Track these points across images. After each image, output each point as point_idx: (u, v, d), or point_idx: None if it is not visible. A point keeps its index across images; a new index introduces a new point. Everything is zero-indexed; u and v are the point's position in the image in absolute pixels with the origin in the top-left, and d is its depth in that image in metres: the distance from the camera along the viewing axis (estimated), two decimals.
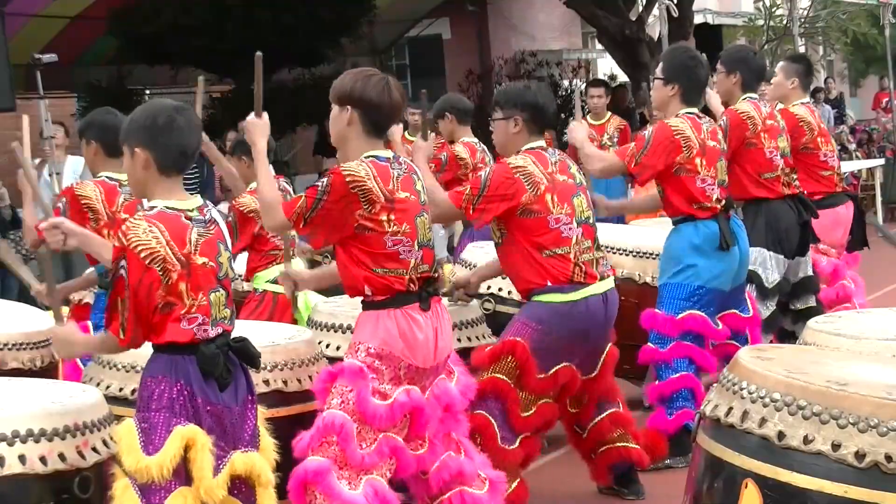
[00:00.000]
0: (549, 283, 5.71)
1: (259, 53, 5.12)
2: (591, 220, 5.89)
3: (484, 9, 21.01)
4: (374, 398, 4.74)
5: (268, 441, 4.39)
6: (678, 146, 6.59)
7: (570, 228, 5.74)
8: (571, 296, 5.73)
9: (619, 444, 6.12)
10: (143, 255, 4.09)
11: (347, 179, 4.75)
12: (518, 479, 5.73)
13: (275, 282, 7.12)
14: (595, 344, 5.92)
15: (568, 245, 5.73)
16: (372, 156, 4.86)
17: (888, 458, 3.33)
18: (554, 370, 5.76)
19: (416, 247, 4.88)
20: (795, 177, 7.62)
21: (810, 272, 7.74)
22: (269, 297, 7.25)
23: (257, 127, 5.03)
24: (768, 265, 7.36)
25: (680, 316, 6.59)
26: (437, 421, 4.97)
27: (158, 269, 4.11)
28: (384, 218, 4.79)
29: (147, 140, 4.24)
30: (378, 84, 4.88)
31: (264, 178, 4.98)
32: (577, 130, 6.91)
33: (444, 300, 5.53)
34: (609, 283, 5.89)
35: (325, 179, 4.83)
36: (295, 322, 6.74)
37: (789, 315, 7.62)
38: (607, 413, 6.11)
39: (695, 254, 6.61)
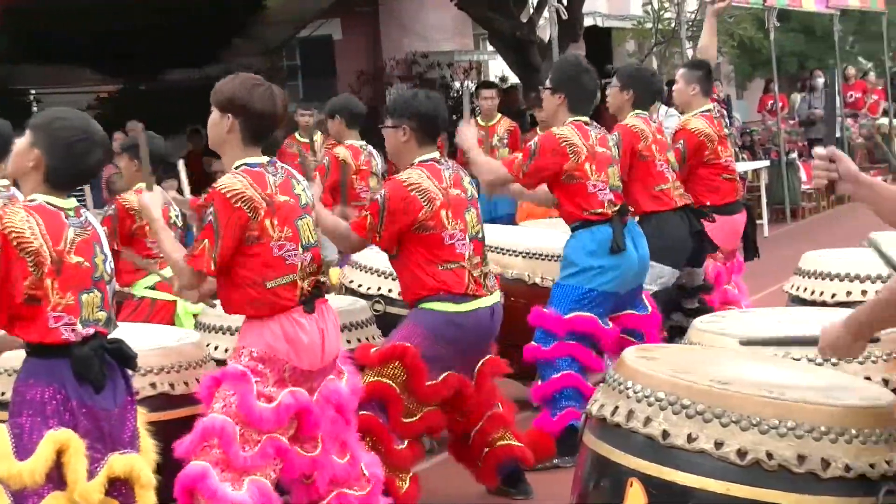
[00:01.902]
0: (442, 293, 5.72)
1: (139, 125, 5.08)
2: (480, 236, 5.91)
3: (375, 10, 20.98)
4: (259, 401, 4.73)
5: (148, 443, 4.39)
6: (564, 154, 6.65)
7: (463, 244, 5.77)
8: (463, 307, 5.75)
9: (501, 444, 6.13)
10: (15, 242, 4.05)
11: (228, 195, 4.73)
12: (410, 476, 5.76)
13: (153, 287, 7.10)
14: (475, 355, 5.96)
15: (463, 260, 5.76)
16: (243, 164, 4.83)
17: (769, 455, 3.39)
18: (443, 377, 5.77)
19: (301, 249, 4.87)
20: (683, 189, 7.75)
21: (701, 282, 7.88)
22: (147, 302, 7.21)
23: (150, 201, 5.03)
24: (653, 277, 7.43)
25: (568, 316, 6.64)
26: (328, 421, 4.96)
27: (29, 260, 4.07)
28: (268, 223, 4.77)
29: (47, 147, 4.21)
30: (263, 94, 4.84)
31: (169, 246, 4.94)
32: (466, 134, 6.91)
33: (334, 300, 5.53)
34: (496, 297, 5.94)
35: (212, 212, 4.77)
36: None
37: (682, 311, 7.73)
38: (488, 416, 6.13)
39: (590, 258, 6.67)
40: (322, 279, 5.02)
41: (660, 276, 7.44)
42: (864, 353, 4.23)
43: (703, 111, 8.21)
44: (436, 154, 5.90)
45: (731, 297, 8.39)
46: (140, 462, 4.26)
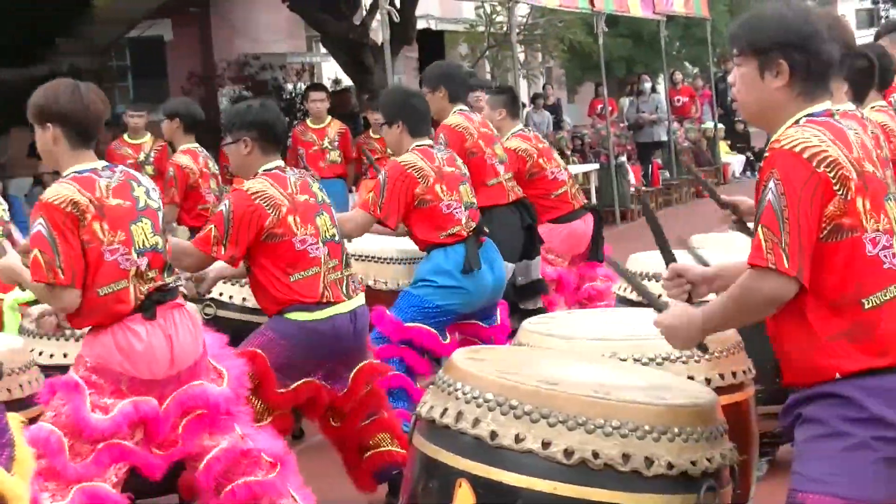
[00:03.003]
0: (297, 303, 5.68)
1: None
2: (336, 238, 5.86)
3: (206, 10, 20.75)
4: (95, 413, 4.66)
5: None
6: (413, 180, 6.68)
7: (316, 248, 5.72)
8: (318, 314, 5.71)
9: (380, 450, 6.09)
10: None
11: (58, 203, 4.64)
12: None
13: None
14: (344, 361, 5.90)
15: (318, 265, 5.71)
16: (72, 171, 4.76)
17: (595, 454, 3.43)
18: (295, 385, 5.73)
19: (135, 254, 4.79)
20: (515, 182, 7.83)
21: (538, 275, 7.97)
22: None
23: None
24: None
25: (408, 325, 6.65)
26: (195, 424, 4.89)
27: None
28: (97, 227, 4.69)
29: None
30: (75, 95, 4.76)
31: (19, 274, 4.86)
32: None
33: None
34: (358, 301, 5.89)
35: (40, 221, 4.67)
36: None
37: (518, 314, 7.81)
38: (366, 423, 6.08)
39: (442, 276, 6.70)
40: (174, 283, 4.95)
41: None
42: (688, 353, 4.34)
43: (515, 132, 8.40)
44: (280, 162, 5.86)
45: (600, 291, 8.56)
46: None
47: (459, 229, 6.76)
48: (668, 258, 3.79)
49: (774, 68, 3.42)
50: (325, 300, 5.72)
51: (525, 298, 7.93)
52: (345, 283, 5.82)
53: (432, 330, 6.68)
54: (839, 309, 3.33)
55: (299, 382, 5.75)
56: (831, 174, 3.30)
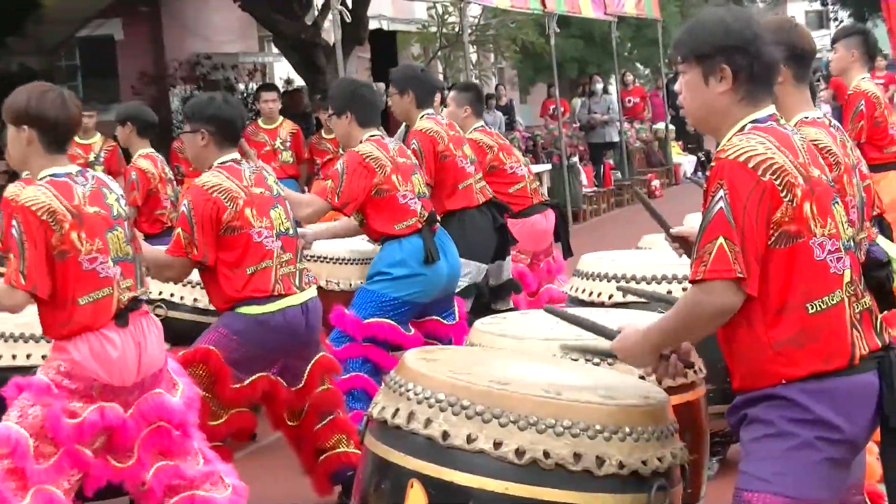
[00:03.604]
0: (250, 298, 5.67)
1: None
2: (290, 232, 5.87)
3: (157, 10, 20.63)
4: (63, 416, 4.65)
5: None
6: (371, 169, 6.68)
7: (271, 241, 5.73)
8: (269, 307, 5.70)
9: (337, 452, 6.08)
10: None
11: (35, 209, 4.62)
12: None
13: None
14: (297, 355, 5.91)
15: (271, 258, 5.71)
16: (49, 174, 4.74)
17: (546, 454, 3.43)
18: (251, 380, 5.73)
19: (112, 262, 4.77)
20: (485, 183, 7.89)
21: (509, 275, 8.00)
22: None
23: None
24: (461, 272, 7.51)
25: (367, 321, 6.65)
26: (148, 435, 4.88)
27: None
28: (75, 237, 4.67)
29: None
30: (55, 100, 4.78)
31: None
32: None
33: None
34: (310, 293, 5.89)
35: (14, 223, 4.65)
36: None
37: (490, 315, 7.82)
38: (327, 421, 6.08)
39: (397, 267, 6.70)
40: (141, 291, 4.94)
41: (465, 272, 7.52)
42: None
43: (477, 127, 8.48)
44: (235, 155, 5.85)
45: (556, 295, 8.59)
46: None
47: (415, 220, 6.78)
48: (666, 226, 3.90)
49: (718, 73, 3.45)
50: (276, 293, 5.72)
51: (498, 299, 7.97)
52: (297, 277, 5.83)
53: (393, 322, 6.68)
54: (785, 315, 3.36)
55: (254, 377, 5.75)
56: (777, 181, 3.32)
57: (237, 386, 5.71)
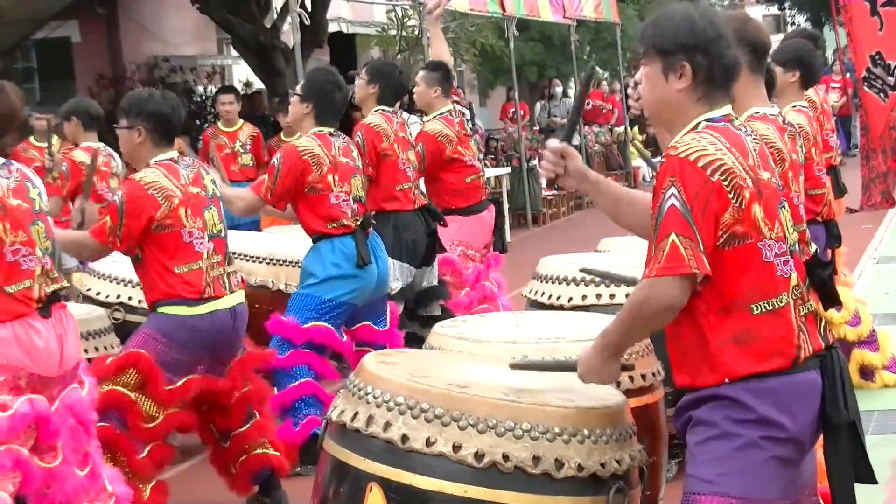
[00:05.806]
0: (179, 297, 5.66)
1: None
2: (222, 234, 5.87)
3: (114, 12, 20.50)
4: None
5: None
6: (307, 166, 6.67)
7: (201, 243, 5.72)
8: (198, 309, 5.71)
9: (259, 452, 6.10)
10: None
11: None
12: (153, 483, 5.69)
13: None
14: (222, 356, 5.91)
15: (200, 260, 5.70)
16: None
17: (505, 457, 3.44)
18: (183, 381, 5.72)
19: (40, 253, 4.74)
20: (423, 189, 7.87)
21: (435, 281, 7.98)
22: None
23: None
24: (394, 274, 7.52)
25: (306, 325, 6.65)
26: (68, 431, 4.81)
27: None
28: None
29: None
30: None
31: None
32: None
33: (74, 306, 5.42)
34: (238, 298, 5.90)
35: None
36: None
37: (417, 320, 7.81)
38: (249, 424, 6.09)
39: (330, 268, 6.70)
40: (63, 284, 4.90)
41: (398, 275, 7.52)
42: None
43: (440, 113, 8.36)
44: (173, 153, 5.83)
45: (490, 293, 8.56)
46: None
47: (347, 222, 6.77)
48: (568, 135, 3.74)
49: (678, 70, 3.45)
50: (206, 295, 5.73)
51: (424, 305, 7.96)
52: (226, 279, 5.83)
53: (329, 326, 6.69)
54: (729, 314, 3.38)
55: (186, 378, 5.74)
56: (725, 182, 3.34)
57: (170, 387, 5.70)
